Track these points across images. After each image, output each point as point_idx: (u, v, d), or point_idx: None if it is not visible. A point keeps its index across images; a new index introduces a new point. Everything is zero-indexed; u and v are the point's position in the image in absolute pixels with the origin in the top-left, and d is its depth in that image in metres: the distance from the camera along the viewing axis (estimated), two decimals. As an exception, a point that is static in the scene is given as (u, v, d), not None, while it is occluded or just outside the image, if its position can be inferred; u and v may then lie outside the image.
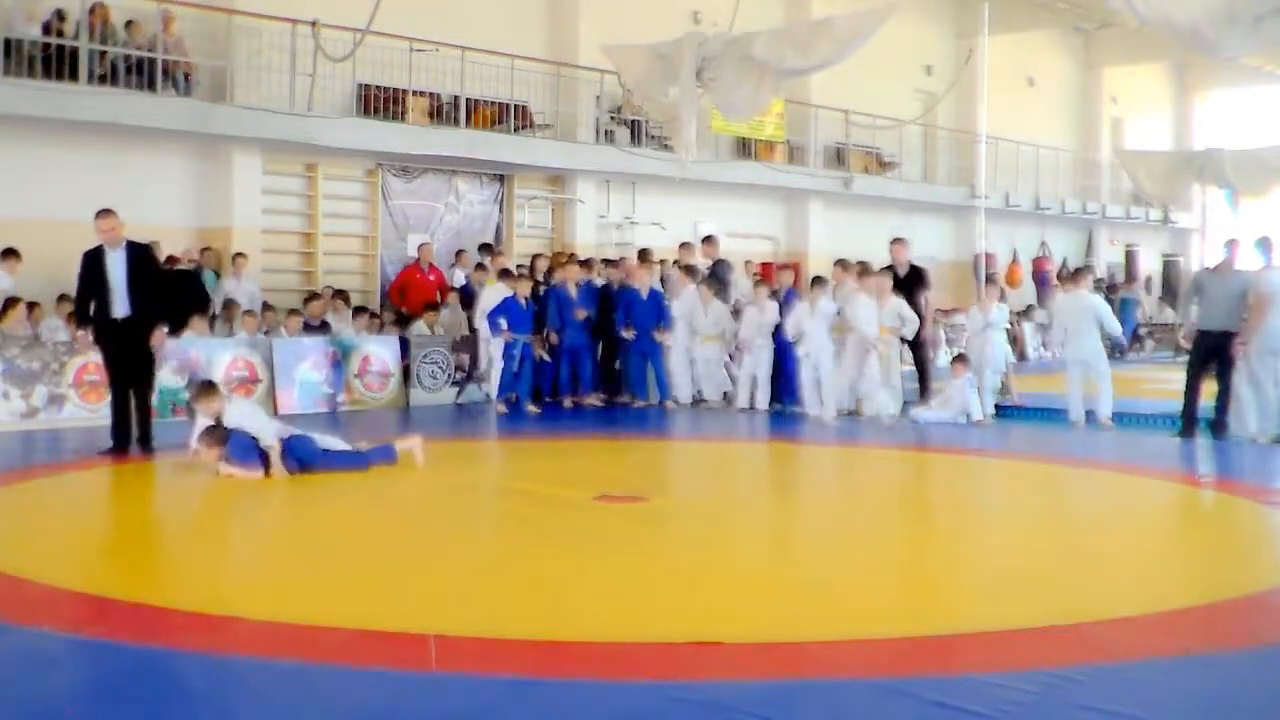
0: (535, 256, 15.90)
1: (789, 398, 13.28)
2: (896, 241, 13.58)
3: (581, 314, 13.45)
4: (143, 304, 9.61)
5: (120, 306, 9.54)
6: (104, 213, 9.57)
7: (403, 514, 7.75)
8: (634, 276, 14.06)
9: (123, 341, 9.65)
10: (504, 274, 13.82)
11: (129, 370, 9.76)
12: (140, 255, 9.74)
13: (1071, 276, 12.53)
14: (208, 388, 9.09)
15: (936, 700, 4.04)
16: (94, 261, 9.57)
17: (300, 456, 8.62)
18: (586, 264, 14.71)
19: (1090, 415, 12.13)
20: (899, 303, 12.58)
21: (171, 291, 11.15)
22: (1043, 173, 26.76)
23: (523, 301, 13.20)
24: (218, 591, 5.53)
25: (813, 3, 21.69)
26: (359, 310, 14.50)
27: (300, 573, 6.19)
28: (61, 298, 12.09)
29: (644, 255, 14.97)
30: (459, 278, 15.63)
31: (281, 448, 8.54)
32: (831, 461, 10.80)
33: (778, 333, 13.14)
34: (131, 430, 9.71)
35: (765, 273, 16.82)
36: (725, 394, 13.82)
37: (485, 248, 16.41)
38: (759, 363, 13.31)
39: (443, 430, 11.71)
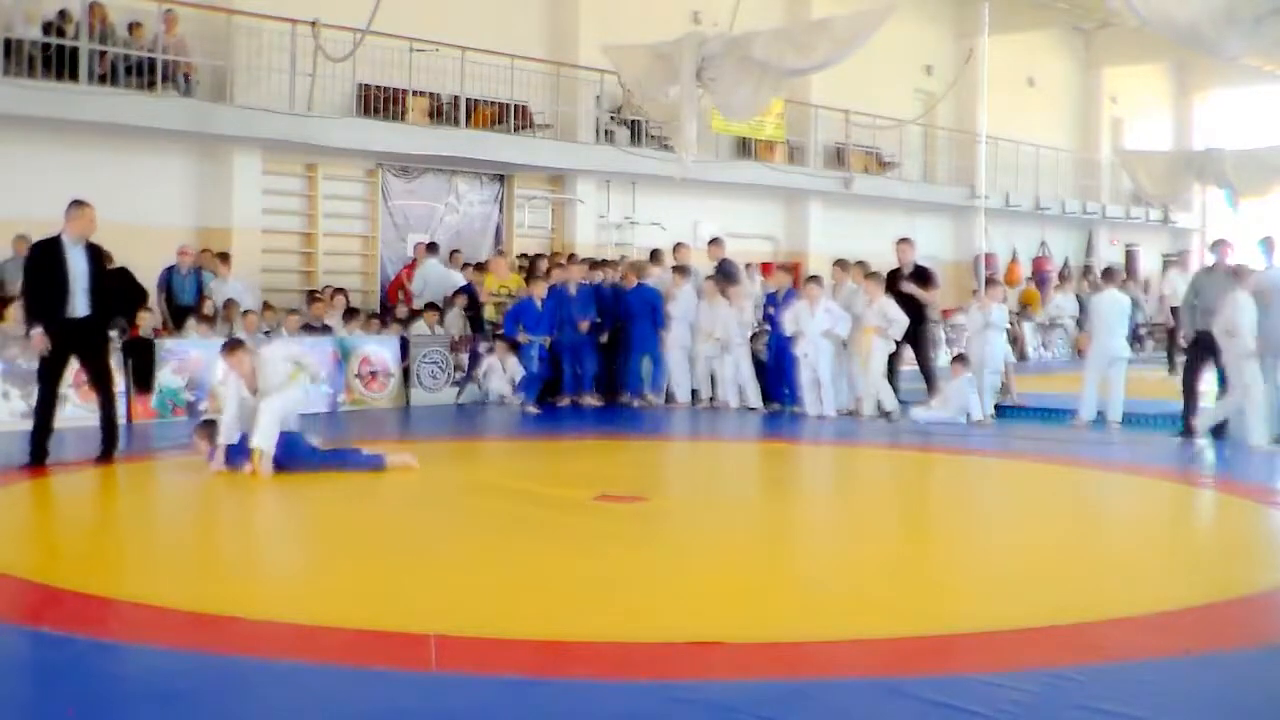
0: (535, 257, 15.88)
1: (788, 397, 13.28)
2: (903, 241, 13.59)
3: (584, 325, 13.50)
4: (101, 303, 9.04)
5: (81, 305, 8.85)
6: (83, 204, 8.91)
7: (403, 514, 7.75)
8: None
9: (80, 343, 9.01)
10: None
11: (92, 375, 9.27)
12: (100, 254, 9.11)
13: (1103, 275, 12.57)
14: (236, 342, 8.92)
15: (936, 700, 4.04)
16: (52, 255, 8.78)
17: (292, 455, 8.63)
18: (590, 264, 14.72)
19: (1100, 416, 12.12)
20: (886, 302, 12.58)
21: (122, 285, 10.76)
22: (1043, 173, 26.76)
23: (538, 303, 13.26)
24: (218, 591, 5.53)
25: (813, 3, 21.68)
26: (351, 311, 14.20)
27: (300, 573, 6.19)
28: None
29: (655, 256, 15.01)
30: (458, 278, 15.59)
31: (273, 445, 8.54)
32: (831, 461, 10.80)
33: (777, 331, 13.15)
34: (49, 445, 8.96)
35: (766, 272, 16.82)
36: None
37: (454, 253, 16.54)
38: (739, 361, 13.32)
39: (443, 430, 11.71)
